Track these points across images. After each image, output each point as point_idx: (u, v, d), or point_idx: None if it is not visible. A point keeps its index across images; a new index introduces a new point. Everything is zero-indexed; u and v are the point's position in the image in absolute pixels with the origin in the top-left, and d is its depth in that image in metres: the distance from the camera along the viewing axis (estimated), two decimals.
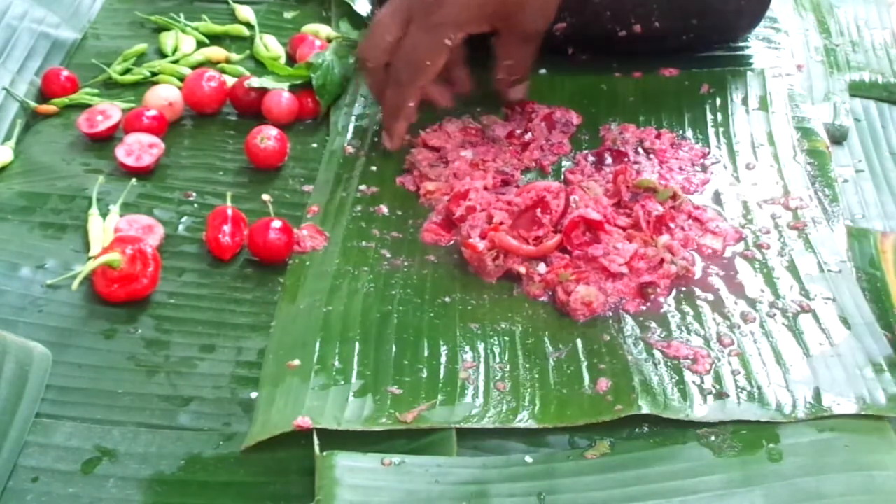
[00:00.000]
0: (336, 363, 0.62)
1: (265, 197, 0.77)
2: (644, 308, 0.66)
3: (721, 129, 0.83)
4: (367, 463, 0.56)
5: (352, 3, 0.99)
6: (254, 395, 0.62)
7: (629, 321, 0.65)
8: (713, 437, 0.58)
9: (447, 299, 0.67)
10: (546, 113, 0.83)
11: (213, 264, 0.72)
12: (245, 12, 0.99)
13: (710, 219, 0.72)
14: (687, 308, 0.66)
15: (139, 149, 0.79)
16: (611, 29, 0.88)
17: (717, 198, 0.76)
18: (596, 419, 0.59)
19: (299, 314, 0.66)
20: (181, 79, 0.89)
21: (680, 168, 0.78)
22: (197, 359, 0.65)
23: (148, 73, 0.90)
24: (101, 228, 0.73)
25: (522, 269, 0.68)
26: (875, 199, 0.79)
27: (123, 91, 0.89)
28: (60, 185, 0.78)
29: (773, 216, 0.74)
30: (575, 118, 0.83)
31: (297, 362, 0.62)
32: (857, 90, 0.91)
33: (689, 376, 0.61)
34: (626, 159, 0.78)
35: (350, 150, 0.81)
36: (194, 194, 0.78)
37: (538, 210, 0.70)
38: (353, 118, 0.85)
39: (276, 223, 0.71)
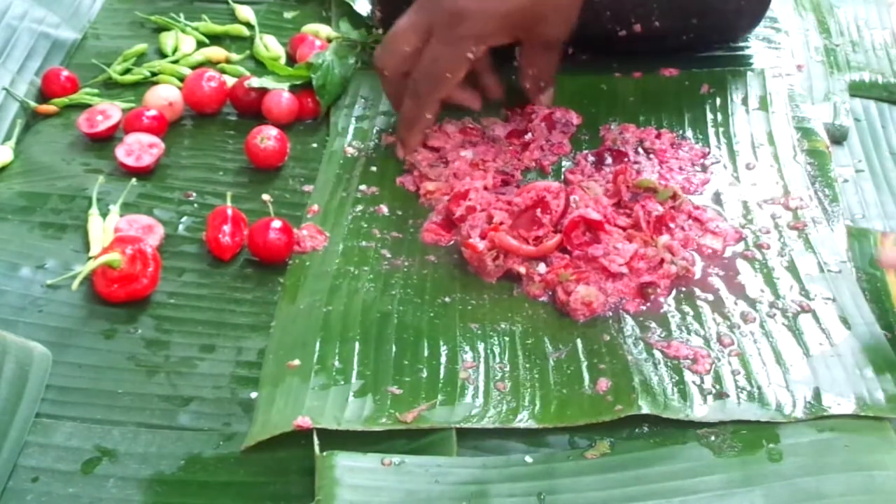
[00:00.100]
0: (336, 363, 0.62)
1: (265, 197, 0.77)
2: (644, 308, 0.66)
3: (721, 129, 0.83)
4: (367, 463, 0.56)
5: (352, 3, 0.99)
6: (254, 395, 0.62)
7: (629, 321, 0.65)
8: (713, 437, 0.58)
9: (447, 299, 0.67)
10: (546, 113, 0.83)
11: (213, 264, 0.72)
12: (245, 12, 0.99)
13: (710, 219, 0.72)
14: (687, 308, 0.66)
15: (139, 149, 0.79)
16: (611, 29, 0.88)
17: (717, 198, 0.76)
18: (596, 419, 0.59)
19: (299, 314, 0.66)
20: (181, 79, 0.89)
21: (680, 168, 0.78)
22: (197, 359, 0.65)
23: (148, 73, 0.90)
24: (101, 228, 0.73)
25: (522, 269, 0.68)
26: (875, 199, 0.79)
27: (123, 91, 0.89)
28: (60, 185, 0.78)
29: (773, 216, 0.74)
30: (575, 118, 0.83)
31: (297, 362, 0.62)
32: (857, 90, 0.90)
33: (689, 376, 0.61)
34: (626, 159, 0.78)
35: (350, 150, 0.81)
36: (194, 194, 0.78)
37: (538, 210, 0.70)
38: (353, 118, 0.85)
39: (276, 223, 0.71)
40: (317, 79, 0.86)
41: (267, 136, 0.79)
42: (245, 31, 0.97)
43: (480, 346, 0.64)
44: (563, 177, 0.78)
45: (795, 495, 0.54)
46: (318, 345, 0.63)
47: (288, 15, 1.01)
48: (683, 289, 0.68)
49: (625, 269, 0.67)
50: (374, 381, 0.61)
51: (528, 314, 0.66)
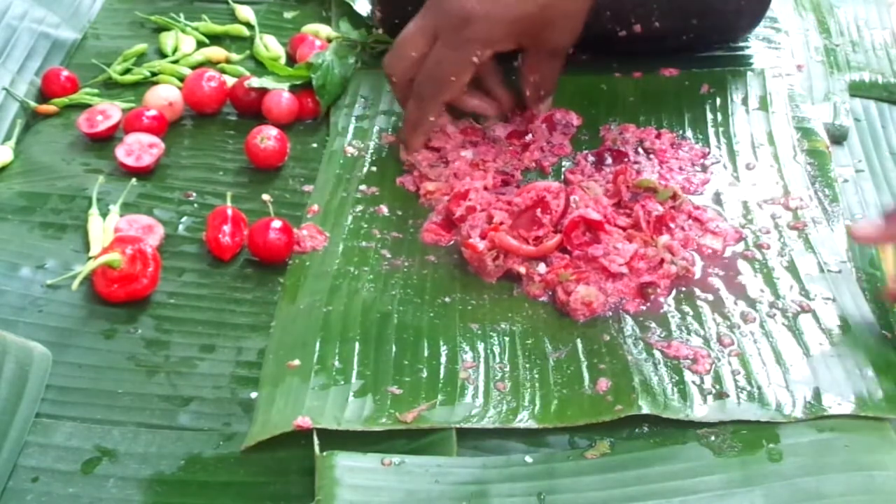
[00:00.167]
0: (336, 363, 0.62)
1: (265, 197, 0.77)
2: (644, 308, 0.66)
3: (721, 129, 0.83)
4: (367, 463, 0.56)
5: (352, 3, 0.99)
6: (254, 395, 0.62)
7: (629, 321, 0.65)
8: (713, 437, 0.58)
9: (447, 299, 0.67)
10: (546, 115, 0.83)
11: (213, 264, 0.72)
12: (245, 12, 0.99)
13: (710, 219, 0.72)
14: (687, 308, 0.66)
15: (139, 149, 0.79)
16: (611, 29, 0.88)
17: (717, 198, 0.76)
18: (596, 419, 0.59)
19: (299, 314, 0.66)
20: (181, 79, 0.89)
21: (680, 168, 0.78)
22: (197, 359, 0.65)
23: (148, 73, 0.90)
24: (101, 228, 0.73)
25: (522, 270, 0.68)
26: (875, 199, 0.79)
27: (123, 91, 0.89)
28: (60, 185, 0.78)
29: (773, 216, 0.74)
30: (575, 119, 0.83)
31: (297, 362, 0.62)
32: (857, 90, 0.90)
33: (689, 376, 0.61)
34: (626, 159, 0.78)
35: (350, 149, 0.81)
36: (194, 194, 0.78)
37: (538, 210, 0.70)
38: (353, 118, 0.85)
39: (276, 223, 0.71)
40: (317, 79, 0.86)
41: (267, 136, 0.79)
42: (245, 31, 0.97)
43: (480, 346, 0.64)
44: (563, 177, 0.78)
45: (795, 495, 0.54)
46: (318, 345, 0.63)
47: (288, 15, 1.01)
48: (683, 289, 0.68)
49: (625, 269, 0.67)
50: (374, 381, 0.61)
51: (528, 314, 0.66)
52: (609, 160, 0.79)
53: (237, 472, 0.58)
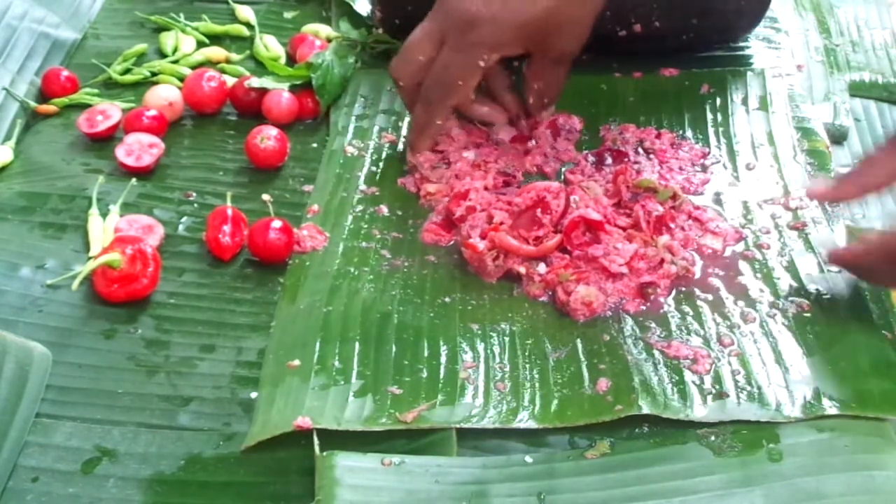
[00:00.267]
0: (336, 363, 0.62)
1: (265, 197, 0.77)
2: (644, 308, 0.66)
3: (721, 129, 0.83)
4: (367, 463, 0.56)
5: (352, 3, 0.99)
6: (254, 395, 0.62)
7: (629, 321, 0.65)
8: (713, 437, 0.58)
9: (447, 299, 0.67)
10: (550, 120, 0.82)
11: (213, 264, 0.72)
12: (245, 12, 0.99)
13: (710, 219, 0.72)
14: (687, 308, 0.66)
15: (139, 149, 0.79)
16: (611, 29, 0.88)
17: (717, 198, 0.76)
18: (596, 419, 0.59)
19: (299, 314, 0.66)
20: (181, 79, 0.89)
21: (680, 168, 0.78)
22: (197, 359, 0.65)
23: (148, 73, 0.90)
24: (101, 228, 0.73)
25: (522, 270, 0.68)
26: (875, 199, 0.78)
27: (123, 91, 0.89)
28: (60, 185, 0.78)
29: (773, 216, 0.74)
30: (578, 124, 0.83)
31: (297, 362, 0.62)
32: (857, 90, 0.90)
33: (689, 376, 0.61)
34: (626, 159, 0.78)
35: (350, 149, 0.81)
36: (194, 194, 0.78)
37: (538, 210, 0.70)
38: (353, 118, 0.85)
39: (276, 223, 0.71)
40: (316, 78, 0.86)
41: (267, 136, 0.79)
42: (245, 31, 0.97)
43: (480, 346, 0.64)
44: (563, 177, 0.78)
45: (795, 495, 0.54)
46: (318, 345, 0.63)
47: (288, 15, 1.01)
48: (683, 289, 0.68)
49: (625, 269, 0.67)
50: (374, 381, 0.61)
51: (528, 314, 0.66)
52: (609, 160, 0.79)
53: (237, 472, 0.58)
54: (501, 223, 0.70)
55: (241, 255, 0.72)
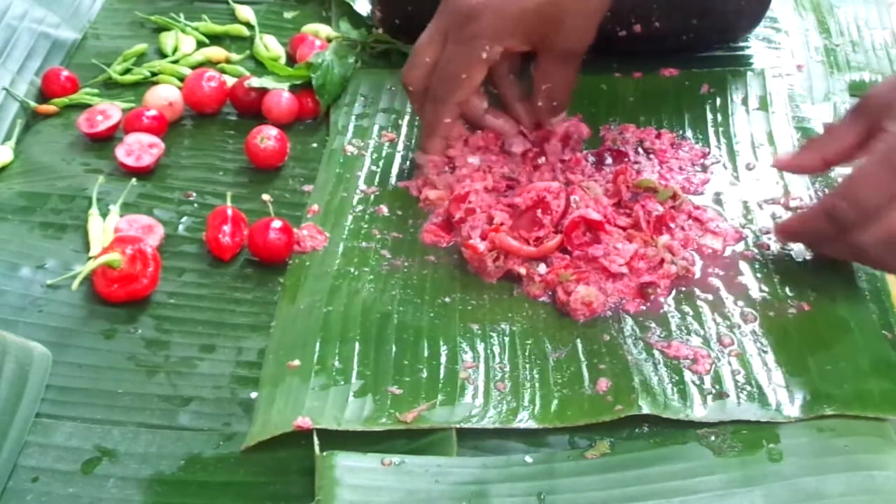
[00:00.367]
0: (336, 363, 0.62)
1: (265, 197, 0.77)
2: (644, 308, 0.66)
3: (721, 129, 0.83)
4: (367, 463, 0.56)
5: (352, 3, 0.99)
6: (254, 395, 0.62)
7: (629, 321, 0.65)
8: (713, 437, 0.58)
9: (447, 299, 0.67)
10: (562, 133, 0.79)
11: (213, 264, 0.72)
12: (245, 12, 0.99)
13: (710, 219, 0.72)
14: (687, 308, 0.66)
15: (139, 149, 0.79)
16: (611, 29, 0.88)
17: (717, 198, 0.76)
18: (596, 419, 0.59)
19: (299, 314, 0.66)
20: (181, 79, 0.89)
21: (680, 168, 0.78)
22: (197, 359, 0.65)
23: (148, 73, 0.90)
24: (101, 228, 0.73)
25: (523, 270, 0.68)
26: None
27: (123, 91, 0.89)
28: (60, 185, 0.78)
29: (773, 216, 0.74)
30: (585, 131, 0.81)
31: (297, 362, 0.62)
32: (857, 90, 0.90)
33: (689, 376, 0.61)
34: (626, 159, 0.78)
35: (350, 148, 0.81)
36: (194, 194, 0.78)
37: (538, 211, 0.70)
38: (353, 118, 0.85)
39: (276, 223, 0.71)
40: (316, 78, 0.86)
41: (267, 136, 0.79)
42: (245, 31, 0.97)
43: (480, 346, 0.64)
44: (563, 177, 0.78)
45: (795, 495, 0.54)
46: (318, 345, 0.63)
47: (288, 15, 1.01)
48: (683, 289, 0.68)
49: (625, 269, 0.67)
50: (374, 381, 0.61)
51: (528, 314, 0.66)
52: (609, 160, 0.79)
53: (237, 472, 0.58)
54: (502, 224, 0.70)
55: (241, 255, 0.72)
